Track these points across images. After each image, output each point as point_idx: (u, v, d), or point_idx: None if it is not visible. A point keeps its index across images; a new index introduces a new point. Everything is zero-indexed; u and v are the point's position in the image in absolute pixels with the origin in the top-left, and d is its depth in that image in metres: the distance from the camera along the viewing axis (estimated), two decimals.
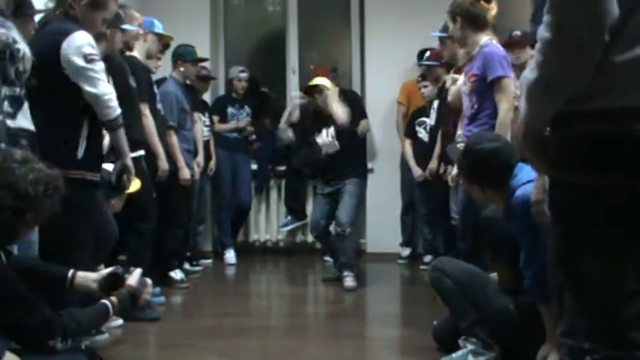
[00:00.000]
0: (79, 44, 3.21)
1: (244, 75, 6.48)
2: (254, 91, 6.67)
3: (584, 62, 1.50)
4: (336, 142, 5.40)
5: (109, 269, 2.82)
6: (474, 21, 3.89)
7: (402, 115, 6.48)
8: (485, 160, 2.92)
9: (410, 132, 6.02)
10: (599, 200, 1.55)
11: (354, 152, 5.56)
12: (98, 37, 3.84)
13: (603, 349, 1.60)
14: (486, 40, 3.87)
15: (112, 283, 2.76)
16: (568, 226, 1.64)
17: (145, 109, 4.58)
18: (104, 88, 3.26)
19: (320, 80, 5.47)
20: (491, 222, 3.11)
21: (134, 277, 2.78)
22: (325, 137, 5.46)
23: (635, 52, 1.50)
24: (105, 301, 2.65)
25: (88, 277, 2.77)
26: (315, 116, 5.56)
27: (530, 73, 1.58)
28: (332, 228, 5.45)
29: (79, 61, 3.19)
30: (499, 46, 3.92)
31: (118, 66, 4.18)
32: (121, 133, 3.39)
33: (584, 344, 1.63)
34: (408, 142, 6.05)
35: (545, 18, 1.51)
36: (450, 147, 3.50)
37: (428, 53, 5.59)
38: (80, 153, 3.26)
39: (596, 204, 1.56)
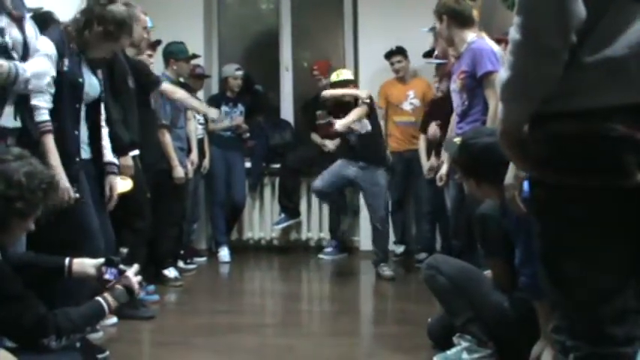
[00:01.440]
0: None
1: (240, 73, 6.47)
2: (248, 89, 6.65)
3: (551, 63, 1.53)
4: (368, 122, 5.59)
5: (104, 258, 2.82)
6: (459, 18, 3.91)
7: (381, 117, 6.45)
8: (482, 155, 2.91)
9: (425, 127, 6.00)
10: (575, 200, 1.57)
11: (379, 139, 5.82)
12: None
13: (585, 346, 1.62)
14: (473, 36, 3.89)
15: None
16: (546, 225, 1.67)
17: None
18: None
19: (347, 74, 5.87)
20: (486, 218, 3.12)
21: (133, 270, 2.79)
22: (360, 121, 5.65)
23: (605, 53, 1.52)
24: (99, 298, 2.65)
25: (85, 263, 2.78)
26: (340, 105, 5.71)
27: (503, 73, 1.61)
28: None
29: None
30: (488, 41, 3.94)
31: (120, 67, 4.20)
32: (43, 139, 3.20)
33: (567, 342, 1.65)
34: (422, 138, 6.02)
35: (515, 19, 1.54)
36: (447, 142, 3.50)
37: (437, 51, 5.57)
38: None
39: (573, 203, 1.58)
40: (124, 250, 4.20)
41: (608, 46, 1.51)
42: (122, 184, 3.85)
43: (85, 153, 3.57)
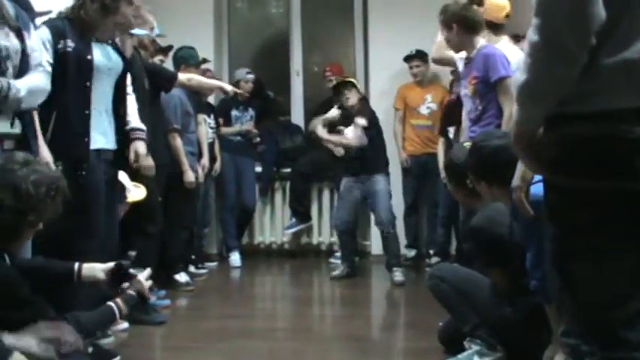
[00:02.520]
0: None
1: (251, 77, 6.47)
2: (259, 94, 6.66)
3: (570, 66, 1.51)
4: (365, 136, 5.64)
5: (114, 262, 2.83)
6: (469, 25, 3.91)
7: (399, 120, 6.49)
8: (493, 157, 2.89)
9: (444, 131, 6.00)
10: (590, 202, 1.55)
11: (380, 147, 5.80)
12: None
13: (599, 351, 1.60)
14: (483, 42, 3.89)
15: (118, 274, 2.77)
16: (561, 228, 1.64)
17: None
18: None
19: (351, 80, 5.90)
20: (478, 231, 3.13)
21: (144, 275, 2.79)
22: (354, 131, 5.68)
23: (624, 55, 1.50)
24: (111, 303, 2.66)
25: (94, 268, 2.78)
26: (343, 111, 5.81)
27: (520, 75, 1.59)
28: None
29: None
30: (508, 43, 3.94)
31: (138, 68, 4.24)
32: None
33: (581, 346, 1.63)
34: (441, 141, 6.02)
35: (533, 20, 1.52)
36: (457, 146, 3.48)
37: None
38: (48, 137, 3.27)
39: (587, 207, 1.56)
40: (133, 254, 4.22)
41: (627, 48, 1.50)
42: (135, 193, 3.88)
43: (109, 142, 3.58)
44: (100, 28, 3.49)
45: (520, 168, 2.50)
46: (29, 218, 2.40)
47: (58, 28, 3.38)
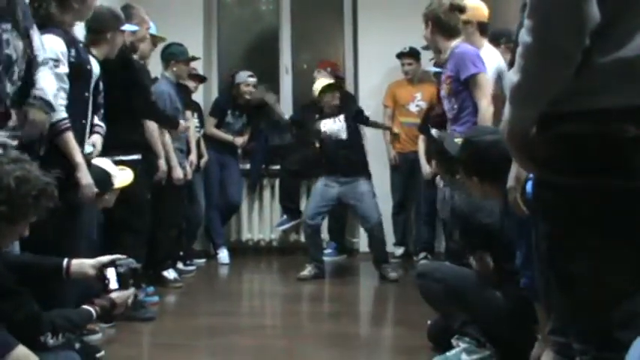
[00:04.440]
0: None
1: (252, 80, 6.41)
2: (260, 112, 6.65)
3: (564, 66, 1.50)
4: (345, 128, 5.62)
5: (109, 257, 2.78)
6: (444, 29, 3.91)
7: (388, 117, 6.49)
8: (485, 152, 2.89)
9: (424, 128, 6.00)
10: (585, 200, 1.54)
11: (361, 149, 5.79)
12: (100, 41, 3.85)
13: (592, 350, 1.60)
14: (457, 42, 3.90)
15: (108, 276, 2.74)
16: (555, 226, 1.63)
17: None
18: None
19: (325, 81, 5.87)
20: (465, 214, 3.17)
21: (123, 296, 2.75)
22: (334, 123, 5.66)
23: (619, 53, 1.49)
24: (89, 307, 2.63)
25: (83, 263, 2.74)
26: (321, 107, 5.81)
27: (513, 76, 1.58)
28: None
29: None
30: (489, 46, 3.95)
31: (140, 66, 4.24)
32: (65, 137, 3.22)
33: (573, 344, 1.63)
34: (421, 139, 6.03)
35: (526, 22, 1.50)
36: (448, 141, 3.48)
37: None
38: (42, 151, 3.25)
39: (583, 204, 1.55)
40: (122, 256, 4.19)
41: (623, 47, 1.49)
42: (122, 177, 3.76)
43: (89, 147, 3.56)
44: (71, 16, 3.37)
45: (514, 169, 2.50)
46: (1, 209, 2.36)
47: (65, 36, 3.32)
